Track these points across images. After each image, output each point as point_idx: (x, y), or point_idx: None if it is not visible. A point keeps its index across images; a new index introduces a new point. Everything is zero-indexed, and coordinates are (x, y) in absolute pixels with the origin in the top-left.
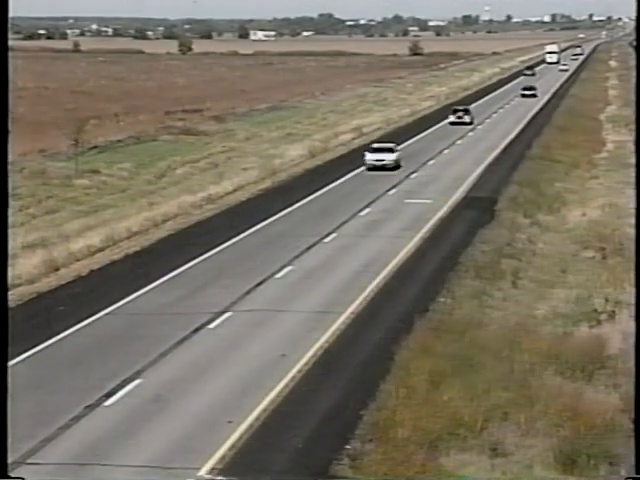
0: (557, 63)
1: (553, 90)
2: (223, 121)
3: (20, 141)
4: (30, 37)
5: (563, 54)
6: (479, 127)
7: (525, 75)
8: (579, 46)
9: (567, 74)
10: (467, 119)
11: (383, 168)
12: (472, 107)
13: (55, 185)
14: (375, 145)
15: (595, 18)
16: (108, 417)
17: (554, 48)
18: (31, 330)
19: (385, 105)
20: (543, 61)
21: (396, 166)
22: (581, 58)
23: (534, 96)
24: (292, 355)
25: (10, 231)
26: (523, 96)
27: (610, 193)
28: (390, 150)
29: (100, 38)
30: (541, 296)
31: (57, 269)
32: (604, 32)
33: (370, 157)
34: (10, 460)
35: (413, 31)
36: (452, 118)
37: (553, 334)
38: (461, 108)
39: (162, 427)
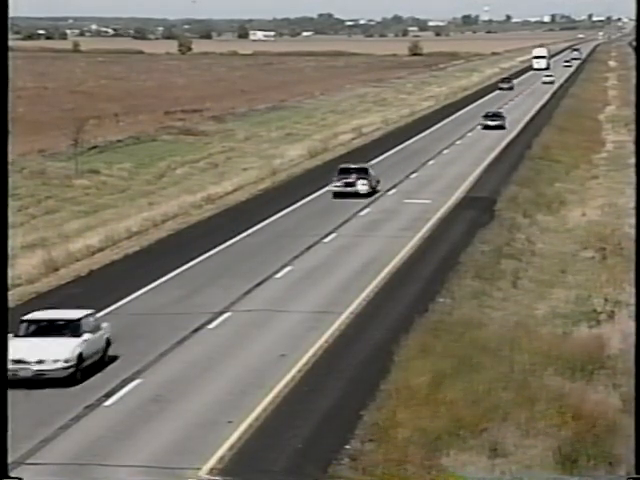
0: (546, 69)
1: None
2: (223, 121)
3: (20, 141)
4: (30, 37)
5: (559, 56)
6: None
7: (501, 89)
8: (576, 49)
9: (554, 87)
10: (362, 187)
11: None
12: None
13: (55, 185)
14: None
15: (595, 18)
16: (108, 417)
17: (542, 52)
18: None
19: (384, 105)
20: (531, 67)
21: None
22: (576, 64)
23: (501, 127)
24: (292, 355)
25: (10, 231)
26: (485, 127)
27: (610, 193)
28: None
29: (100, 38)
30: (541, 296)
31: (57, 269)
32: (601, 33)
33: None
34: (10, 460)
35: (413, 31)
36: (336, 185)
37: (553, 334)
38: (354, 167)
39: (162, 427)
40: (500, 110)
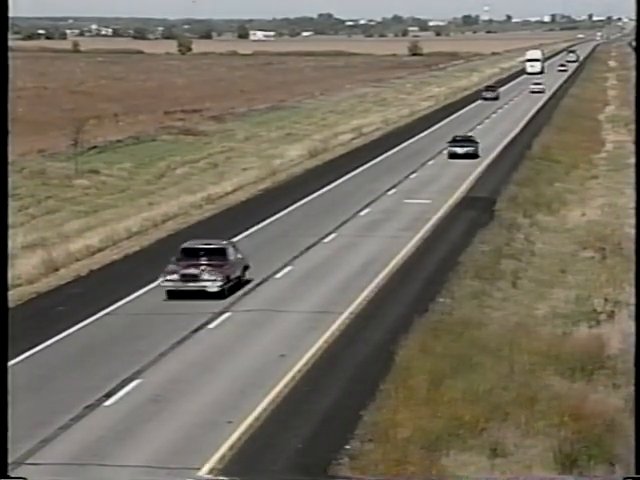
0: (540, 73)
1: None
2: (222, 121)
3: (20, 141)
4: (29, 37)
5: (556, 58)
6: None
7: (485, 99)
8: (573, 51)
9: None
10: (211, 282)
11: None
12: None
13: (54, 185)
14: None
15: (595, 18)
16: (108, 417)
17: (536, 55)
18: (31, 330)
19: (384, 105)
20: (524, 71)
21: None
22: (573, 66)
23: (472, 156)
24: (292, 355)
25: (10, 231)
26: (452, 156)
27: (609, 193)
28: None
29: (99, 38)
30: (541, 296)
31: (57, 269)
32: (599, 33)
33: None
34: (10, 460)
35: (413, 31)
36: (169, 278)
37: (553, 334)
38: (203, 248)
39: (162, 427)
40: (470, 134)
